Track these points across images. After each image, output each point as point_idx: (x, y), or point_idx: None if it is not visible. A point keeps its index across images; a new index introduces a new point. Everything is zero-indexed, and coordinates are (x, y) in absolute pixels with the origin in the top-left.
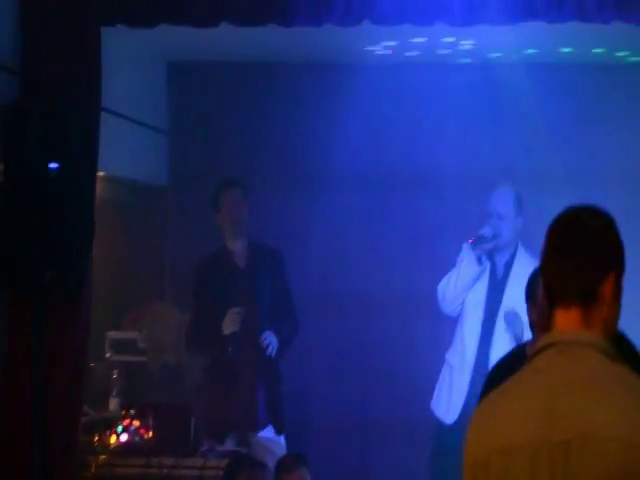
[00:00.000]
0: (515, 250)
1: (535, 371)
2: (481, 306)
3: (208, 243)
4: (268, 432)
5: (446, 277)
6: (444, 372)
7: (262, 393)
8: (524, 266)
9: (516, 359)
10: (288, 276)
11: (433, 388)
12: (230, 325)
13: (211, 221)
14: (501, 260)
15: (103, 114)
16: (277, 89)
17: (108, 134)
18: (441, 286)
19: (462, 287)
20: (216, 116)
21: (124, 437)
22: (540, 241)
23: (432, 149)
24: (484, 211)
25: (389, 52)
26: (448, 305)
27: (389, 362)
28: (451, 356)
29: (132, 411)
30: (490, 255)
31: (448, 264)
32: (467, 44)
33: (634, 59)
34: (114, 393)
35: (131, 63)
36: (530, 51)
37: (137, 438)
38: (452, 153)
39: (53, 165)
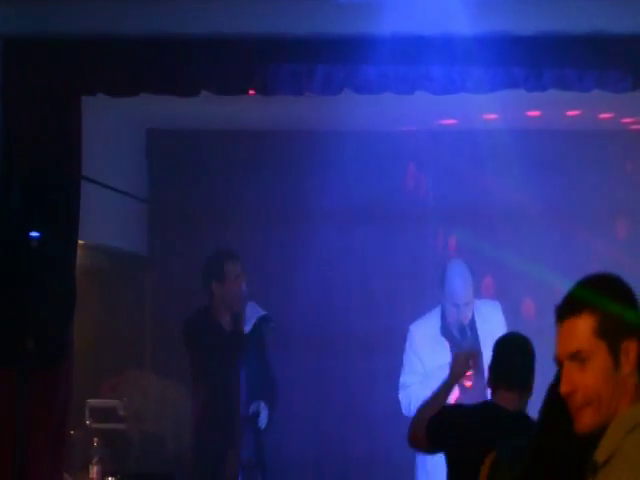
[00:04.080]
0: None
1: None
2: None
3: (187, 311)
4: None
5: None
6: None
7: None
8: (487, 319)
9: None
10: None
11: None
12: None
13: (190, 288)
14: (465, 331)
15: (83, 182)
16: (257, 156)
17: (88, 202)
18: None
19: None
20: (196, 184)
21: None
22: None
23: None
24: (444, 288)
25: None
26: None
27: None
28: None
29: (113, 479)
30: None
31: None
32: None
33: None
34: (95, 461)
35: (111, 131)
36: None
37: None
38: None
39: (34, 234)
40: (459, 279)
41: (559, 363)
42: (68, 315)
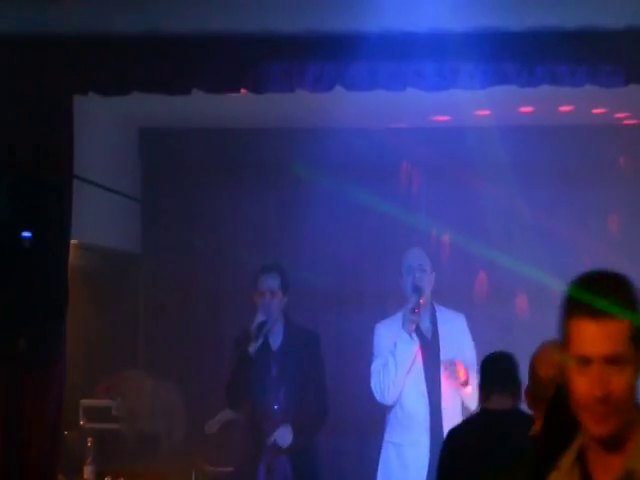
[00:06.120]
0: (433, 307)
1: None
2: (421, 375)
3: (181, 310)
4: None
5: (377, 371)
6: (389, 453)
7: None
8: (449, 320)
9: (470, 427)
10: (323, 359)
11: None
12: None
13: (183, 288)
14: (425, 322)
15: (75, 181)
16: (249, 155)
17: (80, 202)
18: (377, 382)
19: (403, 372)
20: (189, 182)
21: None
22: None
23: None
24: (402, 269)
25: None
26: (391, 397)
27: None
28: (395, 435)
29: (108, 479)
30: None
31: None
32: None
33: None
34: (89, 461)
35: (103, 130)
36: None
37: None
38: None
39: (26, 234)
40: (413, 250)
41: (586, 362)
42: (60, 315)
